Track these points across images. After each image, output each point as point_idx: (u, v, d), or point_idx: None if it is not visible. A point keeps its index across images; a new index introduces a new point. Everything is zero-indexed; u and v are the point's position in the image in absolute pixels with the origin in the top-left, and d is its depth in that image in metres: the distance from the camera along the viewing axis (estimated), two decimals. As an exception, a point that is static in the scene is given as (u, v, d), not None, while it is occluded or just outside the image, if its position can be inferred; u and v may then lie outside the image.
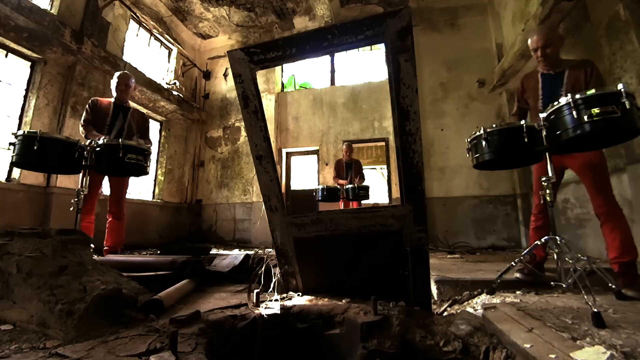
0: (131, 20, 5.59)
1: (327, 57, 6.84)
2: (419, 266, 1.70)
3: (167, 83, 6.29)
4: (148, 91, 5.42)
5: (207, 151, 7.07)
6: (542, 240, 1.76)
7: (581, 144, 1.71)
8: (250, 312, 1.57)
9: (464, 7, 5.77)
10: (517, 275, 2.05)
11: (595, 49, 2.96)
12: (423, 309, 1.66)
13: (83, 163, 2.21)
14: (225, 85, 7.19)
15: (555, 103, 1.55)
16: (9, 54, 3.95)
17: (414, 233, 1.67)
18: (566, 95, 1.61)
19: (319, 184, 5.45)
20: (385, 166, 6.50)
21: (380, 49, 6.61)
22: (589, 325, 1.24)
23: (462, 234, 5.18)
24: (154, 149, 6.29)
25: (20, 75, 4.10)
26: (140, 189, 5.92)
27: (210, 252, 3.40)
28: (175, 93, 6.15)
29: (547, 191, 1.71)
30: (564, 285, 1.60)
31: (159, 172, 6.29)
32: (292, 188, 6.65)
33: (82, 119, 2.87)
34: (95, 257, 1.86)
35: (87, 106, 2.91)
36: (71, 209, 2.27)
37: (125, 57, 5.23)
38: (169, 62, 6.69)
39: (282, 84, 7.13)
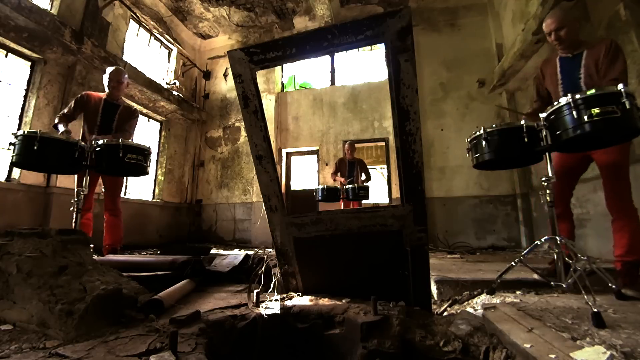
0: (131, 20, 5.59)
1: (327, 57, 6.84)
2: (419, 266, 1.70)
3: (167, 83, 6.29)
4: (148, 91, 5.41)
5: (207, 151, 7.07)
6: (542, 240, 1.76)
7: (581, 143, 1.71)
8: (250, 312, 1.57)
9: (464, 7, 5.77)
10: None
11: (595, 49, 2.95)
12: (423, 309, 1.65)
13: (83, 163, 2.21)
14: (225, 85, 7.19)
15: (555, 103, 1.55)
16: (9, 54, 3.95)
17: (414, 233, 1.67)
18: (585, 79, 1.58)
19: (319, 184, 5.44)
20: (385, 166, 6.50)
21: (380, 49, 6.61)
22: (589, 325, 1.24)
23: (462, 234, 5.18)
24: (154, 149, 6.29)
25: (20, 75, 4.10)
26: (140, 189, 5.92)
27: (210, 252, 3.41)
28: (175, 93, 6.15)
29: (547, 191, 1.71)
30: (564, 285, 1.60)
31: (159, 172, 6.29)
32: (292, 188, 6.65)
33: (66, 109, 2.80)
34: (95, 257, 1.86)
35: (75, 100, 2.84)
36: (71, 208, 2.28)
37: (125, 57, 5.23)
38: (169, 62, 6.69)
39: (282, 84, 7.13)
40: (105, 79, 2.93)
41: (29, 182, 3.86)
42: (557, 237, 1.67)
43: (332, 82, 6.73)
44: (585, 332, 1.18)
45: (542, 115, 1.63)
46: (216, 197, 6.75)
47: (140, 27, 5.96)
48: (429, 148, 5.47)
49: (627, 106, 1.35)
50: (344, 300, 1.71)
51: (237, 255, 2.66)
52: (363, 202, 4.73)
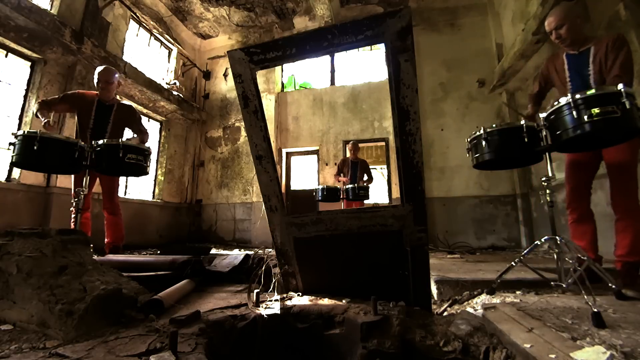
0: (131, 20, 5.59)
1: (327, 57, 6.85)
2: (419, 266, 1.70)
3: (167, 83, 6.29)
4: (148, 91, 5.42)
5: (207, 151, 7.07)
6: (542, 240, 1.76)
7: (581, 143, 1.71)
8: (250, 312, 1.57)
9: (464, 7, 5.77)
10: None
11: (595, 49, 2.95)
12: (423, 309, 1.65)
13: (83, 163, 2.21)
14: (225, 85, 7.19)
15: (555, 103, 1.55)
16: (9, 54, 3.95)
17: (414, 233, 1.67)
18: (594, 76, 1.55)
19: (319, 184, 5.44)
20: (385, 166, 6.50)
21: (380, 49, 6.61)
22: (589, 325, 1.24)
23: (462, 234, 5.18)
24: (154, 149, 6.29)
25: (20, 75, 4.10)
26: (140, 189, 5.92)
27: (210, 252, 3.41)
28: (175, 93, 6.15)
29: (547, 191, 1.71)
30: (564, 285, 1.60)
31: (159, 172, 6.29)
32: (292, 188, 6.65)
33: (52, 97, 2.72)
34: (95, 257, 1.86)
35: (65, 93, 2.76)
36: (71, 209, 2.28)
37: (125, 57, 5.24)
38: (169, 62, 6.69)
39: (282, 84, 7.13)
40: (95, 79, 2.82)
41: (29, 182, 3.86)
42: (557, 237, 1.67)
43: (332, 82, 6.73)
44: (585, 332, 1.18)
45: (542, 115, 1.63)
46: (216, 197, 6.75)
47: (140, 27, 5.96)
48: (429, 148, 5.47)
49: (627, 106, 1.35)
50: (344, 300, 1.71)
51: (237, 255, 2.66)
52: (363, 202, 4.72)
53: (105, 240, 2.86)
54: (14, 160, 2.02)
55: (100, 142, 2.24)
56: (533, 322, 1.28)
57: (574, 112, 1.44)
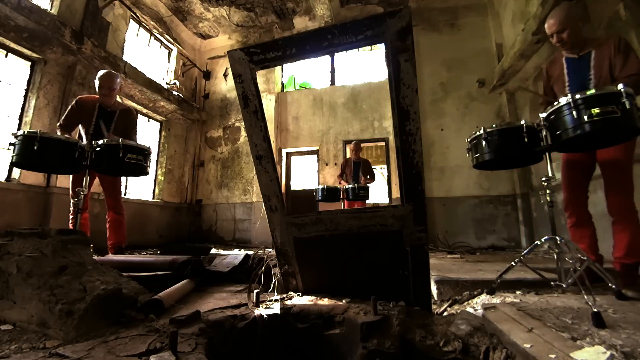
0: (131, 20, 5.59)
1: (327, 57, 6.85)
2: (419, 266, 1.70)
3: (167, 83, 6.29)
4: (148, 91, 5.42)
5: (207, 151, 7.07)
6: (542, 240, 1.76)
7: (581, 143, 1.71)
8: (250, 312, 1.57)
9: (464, 7, 5.77)
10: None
11: (595, 49, 2.95)
12: (423, 309, 1.65)
13: (83, 163, 2.21)
14: (225, 85, 7.19)
15: (555, 103, 1.55)
16: (9, 54, 3.95)
17: (414, 233, 1.67)
18: (595, 80, 1.54)
19: (319, 184, 5.44)
20: (385, 166, 6.50)
21: (380, 49, 6.61)
22: (589, 325, 1.24)
23: (462, 234, 5.18)
24: (154, 149, 6.29)
25: (20, 75, 4.10)
26: (140, 189, 5.92)
27: (210, 252, 3.40)
28: (175, 93, 6.15)
29: (547, 191, 1.71)
30: (564, 285, 1.60)
31: (159, 172, 6.29)
32: (292, 188, 6.66)
33: (62, 119, 2.73)
34: (95, 257, 1.86)
35: (70, 106, 2.76)
36: (71, 209, 2.28)
37: (125, 57, 5.24)
38: (169, 62, 6.69)
39: (282, 84, 7.14)
40: (96, 84, 2.78)
41: (29, 182, 3.86)
42: (557, 237, 1.67)
43: (332, 82, 6.73)
44: (585, 332, 1.18)
45: (542, 115, 1.63)
46: (216, 197, 6.75)
47: (140, 27, 5.96)
48: (429, 148, 5.47)
49: (627, 106, 1.35)
50: (344, 300, 1.71)
51: (237, 255, 2.66)
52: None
53: (109, 241, 2.85)
54: (14, 160, 2.02)
55: (100, 142, 2.24)
56: (533, 322, 1.28)
57: (574, 112, 1.44)
